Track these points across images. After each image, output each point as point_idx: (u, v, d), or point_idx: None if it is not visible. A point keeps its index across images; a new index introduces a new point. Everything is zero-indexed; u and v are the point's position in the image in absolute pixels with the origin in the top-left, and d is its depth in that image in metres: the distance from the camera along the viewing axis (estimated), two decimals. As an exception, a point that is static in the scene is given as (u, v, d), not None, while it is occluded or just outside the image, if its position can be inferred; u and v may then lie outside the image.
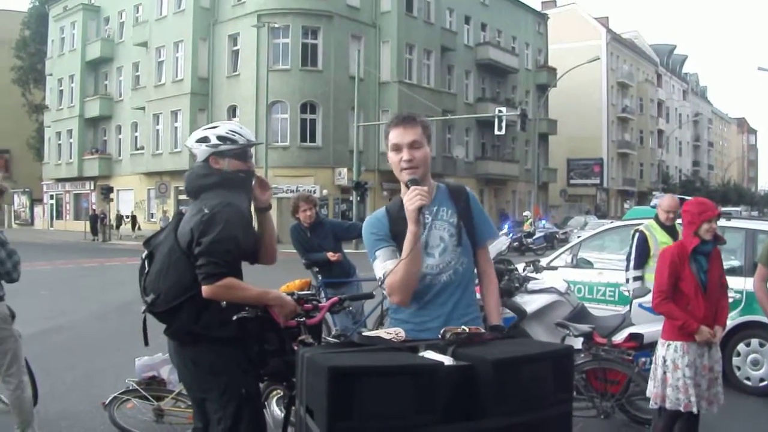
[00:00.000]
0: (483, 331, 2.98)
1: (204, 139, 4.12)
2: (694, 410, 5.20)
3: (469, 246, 3.55)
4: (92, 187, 54.50)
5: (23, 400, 5.99)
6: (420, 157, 3.39)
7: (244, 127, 4.25)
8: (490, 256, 3.78)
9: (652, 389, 5.41)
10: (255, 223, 4.26)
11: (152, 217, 48.26)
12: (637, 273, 8.11)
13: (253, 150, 4.35)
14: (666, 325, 5.38)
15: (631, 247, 8.30)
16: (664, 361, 5.28)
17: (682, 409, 5.23)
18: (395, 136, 3.43)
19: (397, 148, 3.41)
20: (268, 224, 4.37)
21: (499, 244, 7.92)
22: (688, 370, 5.18)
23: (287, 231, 9.09)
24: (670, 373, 5.24)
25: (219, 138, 4.10)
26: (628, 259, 8.32)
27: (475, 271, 3.66)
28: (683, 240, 5.37)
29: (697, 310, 5.19)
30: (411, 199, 3.20)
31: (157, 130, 47.95)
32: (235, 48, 44.61)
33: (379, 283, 3.42)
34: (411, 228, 3.22)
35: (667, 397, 5.27)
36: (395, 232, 3.41)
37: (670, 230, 8.07)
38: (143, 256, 4.15)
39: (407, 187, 3.30)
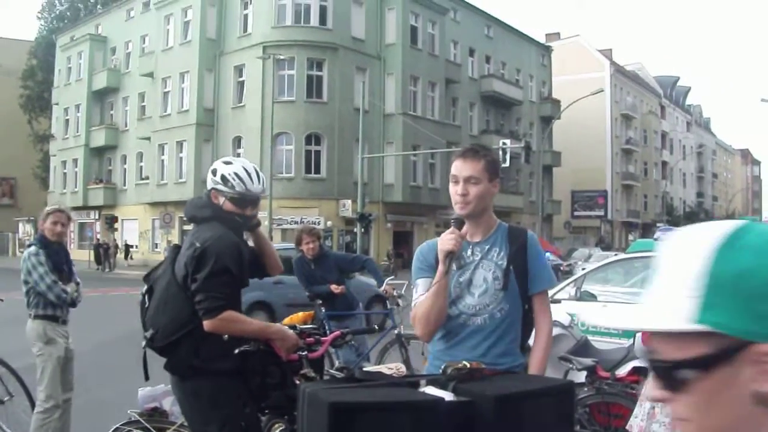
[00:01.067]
0: (484, 366, 2.96)
1: (214, 171, 4.14)
2: None
3: (516, 292, 3.42)
4: (97, 217, 54.55)
5: (43, 424, 5.95)
6: (475, 193, 3.33)
7: (259, 174, 4.19)
8: (546, 305, 3.58)
9: (636, 422, 5.38)
10: (251, 242, 4.30)
11: (156, 248, 48.26)
12: None
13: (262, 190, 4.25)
14: None
15: None
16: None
17: None
18: (455, 167, 3.39)
19: (455, 180, 3.37)
20: (262, 239, 4.41)
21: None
22: None
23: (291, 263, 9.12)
24: (659, 408, 5.22)
25: (221, 177, 4.09)
26: None
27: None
28: None
29: None
30: (444, 241, 3.20)
31: (162, 161, 48.10)
32: (240, 79, 44.89)
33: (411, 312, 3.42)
34: (440, 268, 3.22)
35: (648, 431, 5.25)
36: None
37: None
38: (143, 290, 4.16)
39: (451, 224, 3.30)
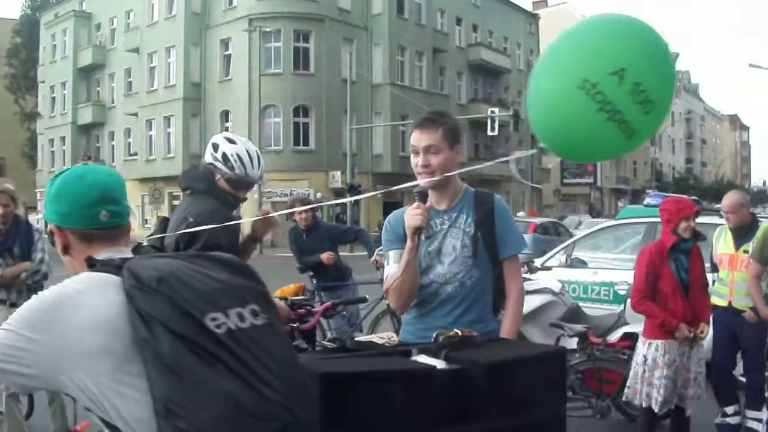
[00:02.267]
0: (475, 334, 2.95)
1: (215, 147, 4.10)
2: (654, 408, 5.25)
3: (486, 258, 3.38)
4: (86, 194, 54.27)
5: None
6: (437, 162, 3.29)
7: (260, 160, 4.15)
8: (516, 270, 3.51)
9: (632, 387, 5.44)
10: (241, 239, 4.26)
11: (147, 223, 48.14)
12: None
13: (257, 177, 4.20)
14: (647, 324, 5.41)
15: None
16: (645, 359, 5.30)
17: (656, 408, 5.28)
18: (413, 138, 3.36)
19: (415, 151, 3.35)
20: (250, 250, 4.36)
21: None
22: (668, 369, 5.20)
23: (282, 234, 9.09)
24: (650, 372, 5.27)
25: (223, 155, 4.05)
26: None
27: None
28: (662, 238, 5.39)
29: (676, 308, 5.22)
30: (411, 217, 3.17)
31: (150, 136, 47.90)
32: (226, 53, 44.58)
33: (384, 284, 3.40)
34: (408, 243, 3.20)
35: (642, 393, 5.31)
36: None
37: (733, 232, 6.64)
38: None
39: (414, 197, 3.27)
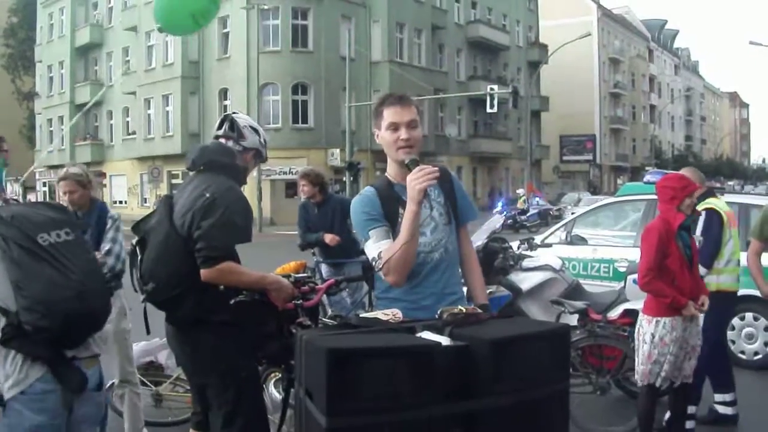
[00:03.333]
0: (479, 311, 2.98)
1: (233, 122, 4.23)
2: (657, 384, 5.26)
3: (455, 225, 3.60)
4: (85, 173, 54.15)
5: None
6: (416, 136, 3.42)
7: None
8: (469, 236, 3.83)
9: (639, 368, 5.43)
10: None
11: (146, 202, 48.12)
12: None
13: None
14: (651, 302, 5.35)
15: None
16: (653, 338, 5.28)
17: (659, 384, 5.29)
18: (392, 114, 3.41)
19: (395, 127, 3.40)
20: None
21: (493, 223, 7.90)
22: (674, 346, 5.21)
23: (281, 213, 9.07)
24: (657, 349, 5.25)
25: (251, 128, 4.28)
26: None
27: None
28: (666, 216, 5.33)
29: (684, 284, 5.20)
30: (419, 178, 3.19)
31: (149, 115, 47.82)
32: (225, 30, 44.32)
33: (373, 263, 3.41)
34: (413, 208, 3.23)
35: (652, 373, 5.31)
36: (386, 212, 3.42)
37: None
38: (134, 242, 4.09)
39: (407, 167, 3.29)
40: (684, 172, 6.40)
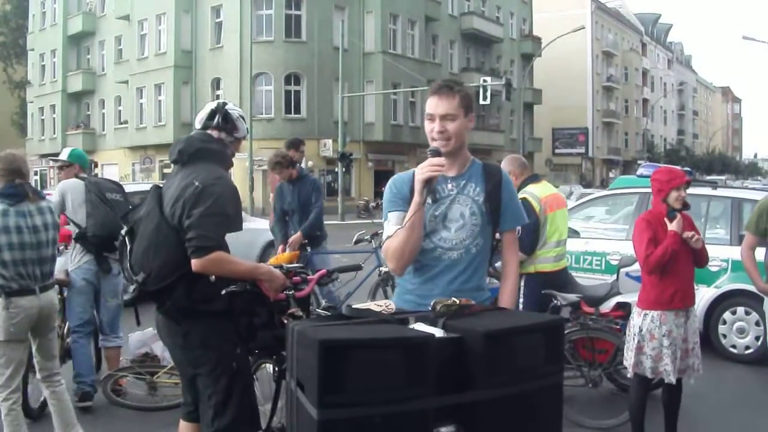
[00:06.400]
0: (473, 302, 2.95)
1: (225, 112, 4.18)
2: (666, 380, 5.24)
3: (489, 229, 3.46)
4: (76, 162, 53.92)
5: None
6: (453, 129, 3.34)
7: None
8: (516, 243, 3.67)
9: (629, 360, 5.43)
10: None
11: (137, 192, 47.91)
12: None
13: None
14: (642, 295, 5.38)
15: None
16: (640, 330, 5.29)
17: (649, 375, 5.29)
18: (430, 105, 3.38)
19: (431, 118, 3.37)
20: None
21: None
22: (666, 340, 5.20)
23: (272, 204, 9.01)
24: (646, 343, 5.25)
25: (240, 116, 4.27)
26: None
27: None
28: (656, 208, 5.37)
29: (677, 270, 5.21)
30: (422, 169, 3.17)
31: (141, 104, 47.61)
32: (218, 20, 44.20)
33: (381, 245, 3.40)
34: (416, 198, 3.20)
35: (640, 364, 5.30)
36: (412, 197, 3.31)
37: None
38: (123, 232, 4.05)
39: (429, 156, 3.26)
40: (505, 161, 6.85)
